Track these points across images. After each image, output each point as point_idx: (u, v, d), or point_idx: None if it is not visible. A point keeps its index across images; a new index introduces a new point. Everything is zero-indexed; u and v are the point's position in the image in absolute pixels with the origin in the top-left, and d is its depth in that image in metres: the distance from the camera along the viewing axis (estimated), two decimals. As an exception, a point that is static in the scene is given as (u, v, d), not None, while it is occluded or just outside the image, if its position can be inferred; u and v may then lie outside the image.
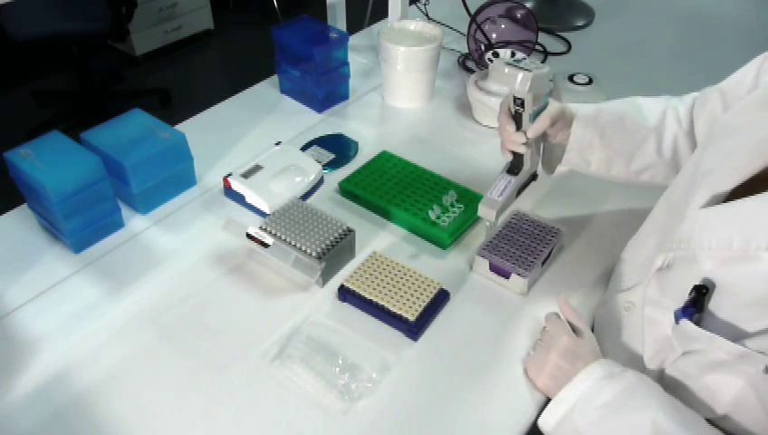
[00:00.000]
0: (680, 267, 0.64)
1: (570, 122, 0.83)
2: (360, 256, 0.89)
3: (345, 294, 0.81)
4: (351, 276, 0.82)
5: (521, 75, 0.74)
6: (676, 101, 0.85)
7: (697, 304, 0.58)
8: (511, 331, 0.79)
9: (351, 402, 0.70)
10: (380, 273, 0.82)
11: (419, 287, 0.80)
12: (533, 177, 0.88)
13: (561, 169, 0.89)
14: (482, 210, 0.83)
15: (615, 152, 0.84)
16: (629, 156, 0.84)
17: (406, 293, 0.79)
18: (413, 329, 0.77)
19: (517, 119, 0.81)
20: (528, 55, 1.22)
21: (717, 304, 0.58)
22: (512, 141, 0.82)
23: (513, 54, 1.14)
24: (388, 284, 0.81)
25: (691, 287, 0.60)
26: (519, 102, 0.78)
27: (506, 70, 0.75)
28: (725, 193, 0.62)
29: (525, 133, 0.81)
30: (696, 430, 0.60)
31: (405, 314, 0.77)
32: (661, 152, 0.83)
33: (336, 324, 0.79)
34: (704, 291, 0.58)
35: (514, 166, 0.85)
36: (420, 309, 0.78)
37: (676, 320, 0.60)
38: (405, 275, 0.82)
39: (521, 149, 0.82)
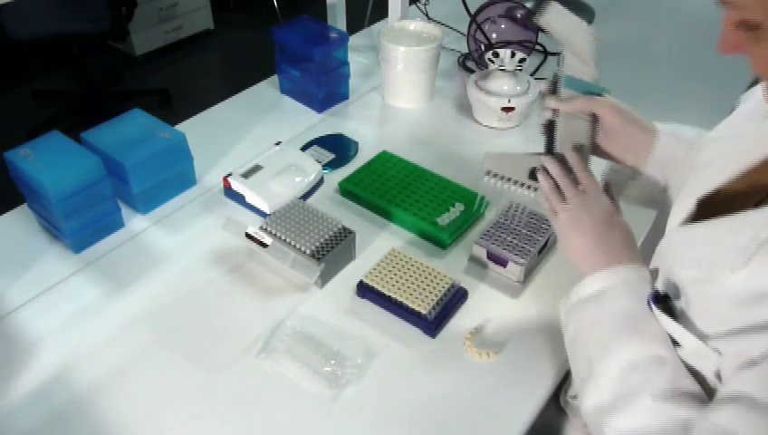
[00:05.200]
0: (661, 278, 0.63)
1: (624, 128, 0.75)
2: (360, 256, 0.89)
3: (364, 290, 0.82)
4: (371, 273, 0.82)
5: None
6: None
7: (663, 304, 0.59)
8: (511, 329, 0.79)
9: (339, 390, 0.70)
10: (399, 269, 0.83)
11: (437, 285, 0.81)
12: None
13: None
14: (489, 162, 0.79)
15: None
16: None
17: (424, 290, 0.80)
18: (431, 326, 0.78)
19: (555, 85, 0.78)
20: (528, 55, 1.22)
21: (688, 316, 0.57)
22: (544, 107, 0.78)
23: (513, 55, 1.13)
24: (406, 280, 0.81)
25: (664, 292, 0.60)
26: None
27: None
28: (709, 200, 0.61)
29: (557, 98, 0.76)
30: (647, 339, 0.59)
31: (423, 311, 0.77)
32: None
33: (335, 323, 0.79)
34: (667, 299, 0.59)
35: (548, 143, 0.78)
36: (438, 308, 0.78)
37: (649, 306, 0.60)
38: (423, 271, 0.82)
39: (546, 114, 0.78)
